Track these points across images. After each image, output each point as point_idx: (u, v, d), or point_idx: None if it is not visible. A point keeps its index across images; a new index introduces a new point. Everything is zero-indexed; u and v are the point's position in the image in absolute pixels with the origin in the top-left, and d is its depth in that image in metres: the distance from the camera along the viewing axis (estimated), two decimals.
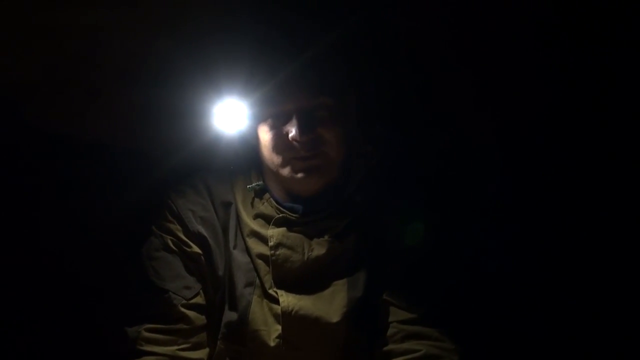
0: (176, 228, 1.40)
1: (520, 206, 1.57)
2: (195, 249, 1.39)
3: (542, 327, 1.52)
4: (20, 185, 1.52)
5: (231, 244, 1.40)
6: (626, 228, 1.50)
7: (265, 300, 1.38)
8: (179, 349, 1.34)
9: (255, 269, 1.39)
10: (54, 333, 1.56)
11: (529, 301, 1.54)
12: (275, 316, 1.36)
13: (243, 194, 1.44)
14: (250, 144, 1.43)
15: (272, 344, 1.35)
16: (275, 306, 1.36)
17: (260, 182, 1.43)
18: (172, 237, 1.39)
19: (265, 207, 1.42)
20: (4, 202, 1.52)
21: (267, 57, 1.34)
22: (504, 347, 1.48)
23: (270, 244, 1.38)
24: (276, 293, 1.37)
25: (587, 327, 1.50)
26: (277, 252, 1.37)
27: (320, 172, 1.36)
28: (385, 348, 1.33)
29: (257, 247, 1.39)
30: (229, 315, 1.38)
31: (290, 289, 1.37)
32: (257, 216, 1.41)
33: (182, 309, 1.35)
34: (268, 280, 1.38)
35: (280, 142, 1.35)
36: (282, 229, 1.39)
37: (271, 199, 1.42)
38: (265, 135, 1.37)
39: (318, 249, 1.37)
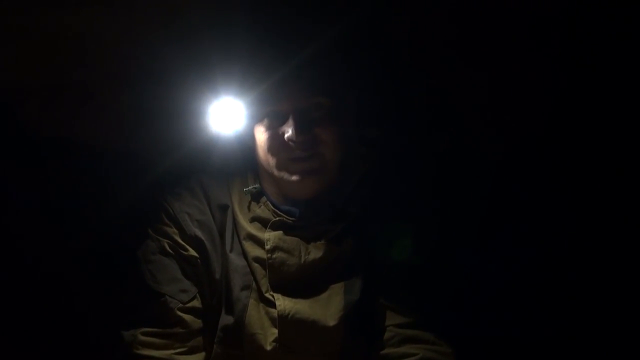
0: (173, 231, 1.39)
1: (520, 208, 1.55)
2: (192, 252, 1.39)
3: (539, 331, 1.52)
4: (13, 188, 1.51)
5: (228, 247, 1.39)
6: (626, 229, 1.49)
7: (261, 304, 1.37)
8: (176, 353, 1.34)
9: (252, 273, 1.38)
10: (49, 338, 1.56)
11: (526, 304, 1.53)
12: (272, 320, 1.36)
13: (240, 196, 1.43)
14: (247, 144, 1.42)
15: (268, 347, 1.35)
16: (271, 310, 1.36)
17: (257, 185, 1.42)
18: (168, 240, 1.38)
19: (262, 210, 1.41)
20: None
21: (263, 55, 1.32)
22: (500, 351, 1.48)
23: (267, 247, 1.37)
24: (273, 297, 1.36)
25: (585, 332, 1.50)
26: (274, 256, 1.37)
27: (316, 174, 1.35)
28: (382, 352, 1.34)
29: (253, 250, 1.39)
30: (226, 319, 1.38)
31: (286, 292, 1.37)
32: (253, 219, 1.41)
33: (179, 313, 1.35)
34: (265, 283, 1.37)
35: (276, 142, 1.34)
36: (279, 233, 1.38)
37: (268, 202, 1.41)
38: (261, 135, 1.36)
39: (315, 252, 1.37)
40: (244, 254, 1.39)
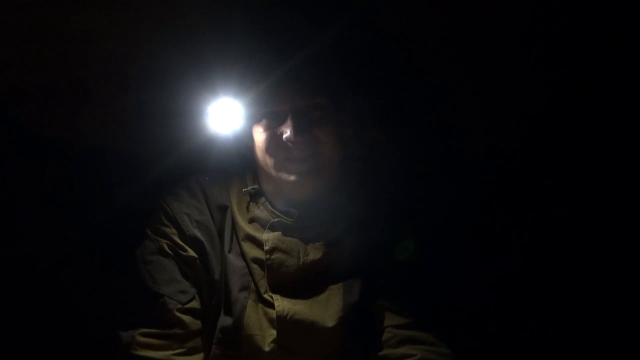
0: (171, 232, 1.39)
1: (519, 208, 1.55)
2: (191, 253, 1.38)
3: (538, 332, 1.52)
4: (12, 187, 1.51)
5: (226, 248, 1.39)
6: (625, 229, 1.49)
7: (260, 305, 1.37)
8: (174, 354, 1.33)
9: (250, 273, 1.38)
10: (48, 338, 1.55)
11: (524, 305, 1.53)
12: (270, 321, 1.36)
13: (238, 197, 1.43)
14: (245, 145, 1.41)
15: (266, 348, 1.35)
16: (270, 311, 1.36)
17: (256, 186, 1.42)
18: (167, 241, 1.38)
19: (261, 211, 1.41)
20: None
21: (261, 56, 1.33)
22: (500, 351, 1.48)
23: (266, 248, 1.37)
24: (271, 297, 1.36)
25: (585, 332, 1.50)
26: (273, 257, 1.37)
27: (314, 175, 1.35)
28: (381, 353, 1.34)
29: (252, 251, 1.38)
30: (224, 320, 1.38)
31: (285, 293, 1.37)
32: (252, 220, 1.41)
33: (178, 314, 1.34)
34: (263, 284, 1.37)
35: (274, 143, 1.34)
36: (278, 233, 1.38)
37: (267, 202, 1.41)
38: (259, 136, 1.36)
39: (314, 253, 1.37)
40: (243, 255, 1.39)
